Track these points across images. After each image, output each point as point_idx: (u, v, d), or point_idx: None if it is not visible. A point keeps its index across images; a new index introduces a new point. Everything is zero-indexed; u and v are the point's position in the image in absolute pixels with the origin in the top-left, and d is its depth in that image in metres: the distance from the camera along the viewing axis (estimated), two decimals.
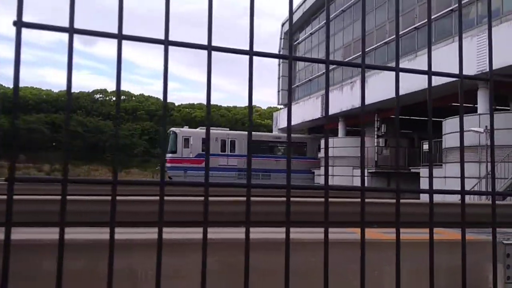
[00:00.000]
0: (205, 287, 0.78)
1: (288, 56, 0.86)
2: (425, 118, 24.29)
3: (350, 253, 3.34)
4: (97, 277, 3.09)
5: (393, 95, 18.44)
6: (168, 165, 29.46)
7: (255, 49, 0.88)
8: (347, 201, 5.39)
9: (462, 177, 0.94)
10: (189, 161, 28.96)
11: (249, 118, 0.83)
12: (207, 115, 0.83)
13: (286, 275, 0.82)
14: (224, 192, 10.58)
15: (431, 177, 0.93)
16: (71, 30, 0.74)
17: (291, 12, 0.87)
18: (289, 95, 0.86)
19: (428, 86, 0.94)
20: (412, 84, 16.88)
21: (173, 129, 31.53)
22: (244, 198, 0.88)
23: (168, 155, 29.84)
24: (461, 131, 0.95)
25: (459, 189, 1.05)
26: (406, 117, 25.09)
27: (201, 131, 30.99)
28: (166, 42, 0.79)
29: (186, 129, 31.69)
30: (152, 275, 3.18)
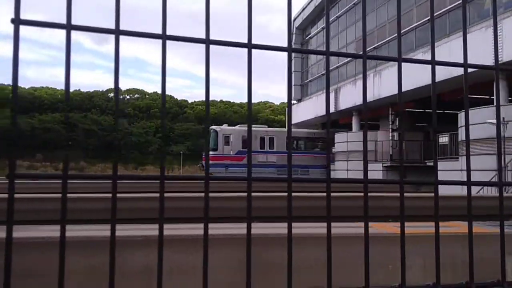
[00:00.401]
0: (207, 284, 0.78)
1: (287, 49, 0.85)
2: (440, 111, 23.93)
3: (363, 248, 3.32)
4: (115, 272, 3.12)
5: (407, 87, 18.22)
6: (209, 162, 30.15)
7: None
8: (358, 195, 5.35)
9: (468, 169, 0.92)
10: (230, 158, 29.76)
11: (248, 112, 0.83)
12: (207, 108, 0.83)
13: (288, 270, 0.82)
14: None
15: (436, 168, 0.91)
16: (69, 27, 0.74)
17: (289, 3, 0.86)
18: (289, 89, 0.85)
19: (432, 76, 0.92)
20: (427, 76, 16.63)
21: (213, 127, 32.38)
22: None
23: (210, 153, 30.70)
24: (467, 124, 0.93)
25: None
26: (421, 110, 24.74)
27: (241, 128, 31.67)
28: (164, 37, 0.79)
29: (226, 127, 32.37)
30: (176, 270, 3.20)
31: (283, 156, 30.18)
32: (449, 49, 16.94)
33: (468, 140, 0.94)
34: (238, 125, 33.68)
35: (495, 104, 1.33)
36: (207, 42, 0.80)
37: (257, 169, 29.10)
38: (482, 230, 3.91)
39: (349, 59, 28.10)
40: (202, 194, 0.78)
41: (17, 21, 0.71)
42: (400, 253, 0.88)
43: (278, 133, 31.59)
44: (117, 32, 0.77)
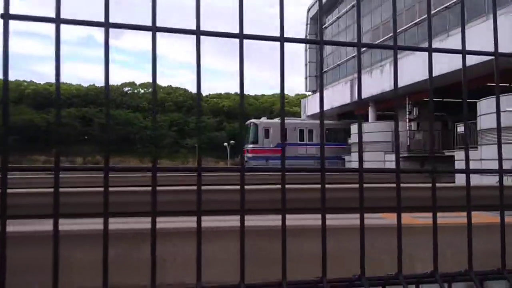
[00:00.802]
0: (200, 275, 0.79)
1: (280, 39, 0.84)
2: (459, 100, 23.43)
3: (375, 239, 3.31)
4: (130, 265, 3.17)
5: (421, 77, 17.90)
6: (249, 155, 30.60)
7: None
8: (374, 187, 5.30)
9: (467, 158, 0.90)
10: (270, 151, 30.06)
11: (240, 105, 0.82)
12: (198, 101, 0.83)
13: (283, 261, 0.81)
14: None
15: (434, 157, 0.89)
16: (58, 21, 0.75)
17: None
18: (282, 80, 0.84)
19: (429, 64, 0.89)
20: (445, 65, 16.31)
21: (253, 120, 32.56)
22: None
23: (249, 146, 30.96)
24: (465, 113, 0.90)
25: (473, 169, 1.01)
26: (439, 99, 24.28)
27: (280, 121, 31.52)
28: (154, 29, 0.79)
29: (265, 120, 32.42)
30: (180, 261, 3.24)
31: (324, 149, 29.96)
32: (466, 36, 16.51)
33: (466, 129, 0.92)
34: (277, 118, 33.55)
35: (496, 93, 1.30)
36: (198, 33, 0.80)
37: (297, 161, 29.02)
38: (508, 220, 3.84)
39: (364, 48, 27.75)
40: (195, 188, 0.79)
41: (7, 16, 0.72)
42: (397, 242, 0.87)
43: (317, 126, 31.36)
44: (107, 25, 0.77)
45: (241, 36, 0.82)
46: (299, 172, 0.90)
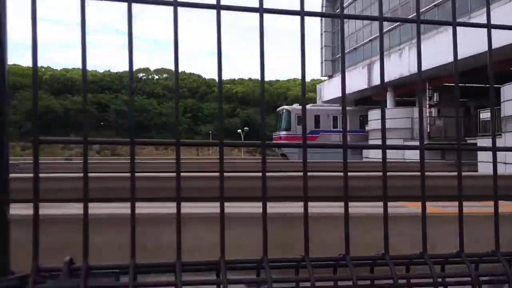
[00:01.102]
0: (224, 250, 0.80)
1: (300, 12, 0.83)
2: (482, 85, 22.78)
3: (395, 227, 3.32)
4: (144, 249, 3.25)
5: (445, 61, 17.48)
6: (283, 142, 30.13)
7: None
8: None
9: (494, 135, 0.89)
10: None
11: (261, 82, 0.82)
12: (219, 80, 0.83)
13: (305, 238, 0.82)
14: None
15: (459, 140, 0.87)
16: None
17: None
18: (302, 57, 0.84)
19: (453, 38, 0.87)
20: (468, 49, 15.88)
21: (285, 107, 31.88)
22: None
23: (282, 133, 30.56)
24: (491, 98, 0.88)
25: (500, 147, 1.00)
26: (461, 84, 23.65)
27: (313, 108, 30.84)
28: (175, 3, 0.79)
29: (297, 106, 31.72)
30: (196, 246, 3.30)
31: (356, 136, 29.09)
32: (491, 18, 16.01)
33: (492, 97, 0.90)
34: (310, 104, 32.66)
35: None
36: (218, 8, 0.80)
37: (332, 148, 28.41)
38: None
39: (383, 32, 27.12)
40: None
41: None
42: (421, 220, 0.87)
43: (351, 112, 30.41)
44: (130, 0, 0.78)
45: (261, 9, 0.82)
46: (320, 147, 0.90)
